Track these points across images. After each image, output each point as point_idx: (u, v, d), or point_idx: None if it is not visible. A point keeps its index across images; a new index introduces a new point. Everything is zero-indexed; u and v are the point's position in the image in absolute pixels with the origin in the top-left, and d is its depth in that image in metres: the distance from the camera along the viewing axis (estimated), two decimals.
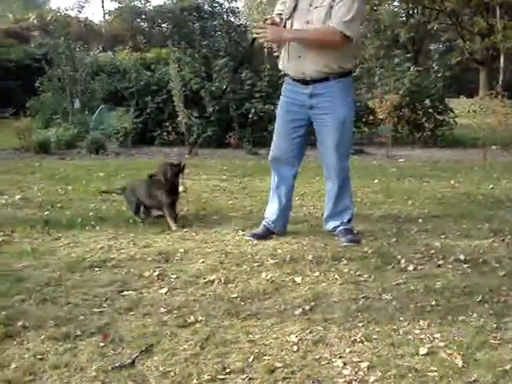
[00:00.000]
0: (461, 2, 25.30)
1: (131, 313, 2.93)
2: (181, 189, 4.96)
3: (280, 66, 4.36)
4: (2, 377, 2.31)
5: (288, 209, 4.48)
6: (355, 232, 4.39)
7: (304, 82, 4.15)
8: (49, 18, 27.22)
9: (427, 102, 11.55)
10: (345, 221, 4.35)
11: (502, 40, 23.67)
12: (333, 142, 4.17)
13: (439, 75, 12.18)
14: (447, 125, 11.85)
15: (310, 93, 4.13)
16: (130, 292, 3.22)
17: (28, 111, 12.72)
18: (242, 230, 4.50)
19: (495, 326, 2.76)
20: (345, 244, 4.14)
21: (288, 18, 4.13)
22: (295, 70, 4.18)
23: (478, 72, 28.59)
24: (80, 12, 43.62)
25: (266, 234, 4.35)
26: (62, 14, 32.63)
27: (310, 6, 4.02)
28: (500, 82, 23.13)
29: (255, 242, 4.20)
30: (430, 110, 11.65)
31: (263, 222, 4.44)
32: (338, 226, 4.34)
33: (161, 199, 4.70)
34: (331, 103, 4.11)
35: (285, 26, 4.13)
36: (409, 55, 16.78)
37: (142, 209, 4.93)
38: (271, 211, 4.43)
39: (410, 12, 31.97)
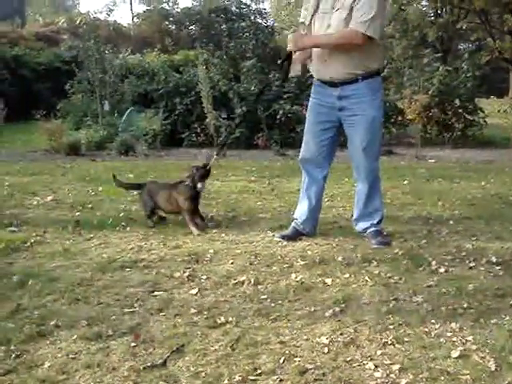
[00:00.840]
0: (490, 1, 24.95)
1: (162, 313, 2.95)
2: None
3: (309, 68, 4.36)
4: (35, 376, 2.35)
5: (317, 210, 4.47)
6: (385, 234, 4.35)
7: (332, 84, 4.14)
8: (78, 22, 27.55)
9: (457, 102, 11.42)
10: (375, 222, 4.32)
11: None
12: (362, 143, 4.15)
13: (469, 75, 12.03)
14: (477, 125, 11.71)
15: (338, 95, 4.12)
16: (161, 292, 3.25)
17: (58, 113, 12.88)
18: (272, 231, 4.51)
19: None
20: (375, 246, 4.12)
21: (310, 22, 4.13)
22: (322, 74, 4.18)
23: (509, 71, 28.21)
24: (109, 15, 44.27)
25: (296, 236, 4.35)
26: (91, 17, 33.02)
27: (333, 8, 3.99)
28: None
29: (285, 243, 4.20)
30: (460, 110, 11.51)
31: (292, 224, 4.44)
32: (368, 228, 4.32)
33: (182, 205, 4.64)
34: (360, 104, 4.09)
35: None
36: (438, 55, 16.62)
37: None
38: (301, 212, 4.42)
39: (439, 11, 31.65)
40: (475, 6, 25.22)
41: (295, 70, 4.26)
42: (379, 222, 4.36)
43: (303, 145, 4.42)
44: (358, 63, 4.02)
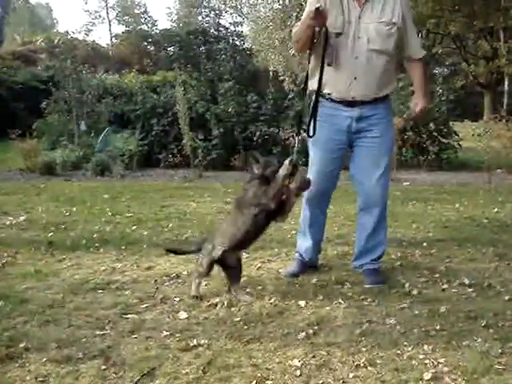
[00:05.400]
0: (465, 26, 25.39)
1: (133, 336, 2.92)
2: None
3: (314, 85, 3.76)
4: None
5: (321, 242, 4.15)
6: (381, 270, 4.00)
7: (350, 104, 3.70)
8: (56, 41, 27.50)
9: (431, 125, 11.55)
10: (374, 257, 3.93)
11: (506, 64, 23.71)
12: (380, 169, 3.78)
13: (443, 99, 12.20)
14: (452, 148, 11.85)
15: (357, 116, 3.71)
16: (133, 315, 3.21)
17: (34, 133, 12.79)
18: (247, 253, 4.48)
19: (500, 351, 2.74)
20: (368, 286, 3.72)
21: (340, 33, 3.61)
22: (344, 92, 3.68)
23: (483, 96, 28.66)
24: (87, 35, 44.26)
25: (304, 270, 4.01)
26: (70, 37, 33.01)
27: (360, 18, 3.61)
28: (504, 106, 23.16)
29: (259, 265, 4.18)
30: (435, 134, 11.64)
31: (297, 257, 4.08)
32: (365, 264, 3.94)
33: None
34: (380, 126, 3.75)
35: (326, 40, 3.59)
36: None
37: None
38: (306, 247, 4.05)
39: None
40: (450, 32, 25.64)
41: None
42: (379, 258, 3.97)
43: (312, 179, 3.74)
44: (386, 82, 3.74)
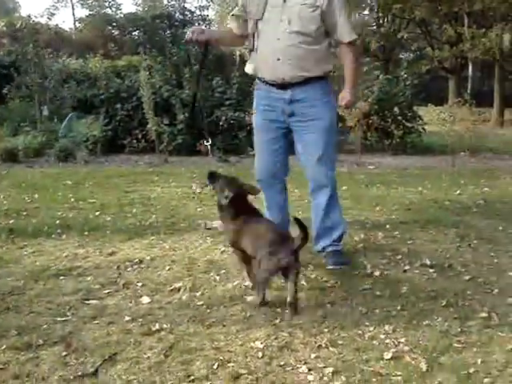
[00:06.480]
0: (430, 11, 25.55)
1: (95, 321, 2.90)
2: None
3: (249, 70, 3.92)
4: None
5: (286, 223, 4.04)
6: (343, 252, 4.00)
7: (282, 86, 3.74)
8: (18, 25, 26.95)
9: (396, 109, 11.64)
10: (335, 238, 3.91)
11: (470, 49, 23.94)
12: (319, 151, 3.77)
13: (407, 83, 12.29)
14: (416, 132, 11.96)
15: (289, 98, 3.74)
16: (95, 300, 3.19)
17: None
18: (211, 237, 4.48)
19: (459, 329, 2.80)
20: (330, 267, 3.72)
21: (260, 19, 3.70)
22: (273, 74, 3.74)
23: (447, 80, 28.94)
24: (50, 19, 43.45)
25: None
26: (32, 21, 32.37)
27: (284, 2, 3.63)
28: (468, 90, 23.41)
29: (222, 249, 4.17)
30: (399, 118, 11.74)
31: None
32: (327, 246, 3.92)
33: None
34: (314, 108, 3.74)
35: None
36: (378, 63, 16.94)
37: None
38: None
39: (381, 21, 32.28)
40: (416, 16, 25.79)
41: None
42: (340, 239, 3.96)
43: (256, 161, 4.03)
44: (315, 63, 3.70)
